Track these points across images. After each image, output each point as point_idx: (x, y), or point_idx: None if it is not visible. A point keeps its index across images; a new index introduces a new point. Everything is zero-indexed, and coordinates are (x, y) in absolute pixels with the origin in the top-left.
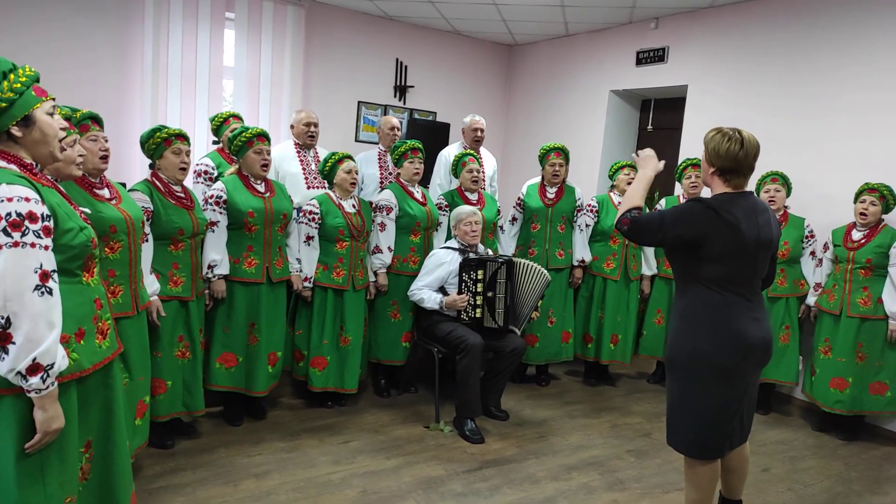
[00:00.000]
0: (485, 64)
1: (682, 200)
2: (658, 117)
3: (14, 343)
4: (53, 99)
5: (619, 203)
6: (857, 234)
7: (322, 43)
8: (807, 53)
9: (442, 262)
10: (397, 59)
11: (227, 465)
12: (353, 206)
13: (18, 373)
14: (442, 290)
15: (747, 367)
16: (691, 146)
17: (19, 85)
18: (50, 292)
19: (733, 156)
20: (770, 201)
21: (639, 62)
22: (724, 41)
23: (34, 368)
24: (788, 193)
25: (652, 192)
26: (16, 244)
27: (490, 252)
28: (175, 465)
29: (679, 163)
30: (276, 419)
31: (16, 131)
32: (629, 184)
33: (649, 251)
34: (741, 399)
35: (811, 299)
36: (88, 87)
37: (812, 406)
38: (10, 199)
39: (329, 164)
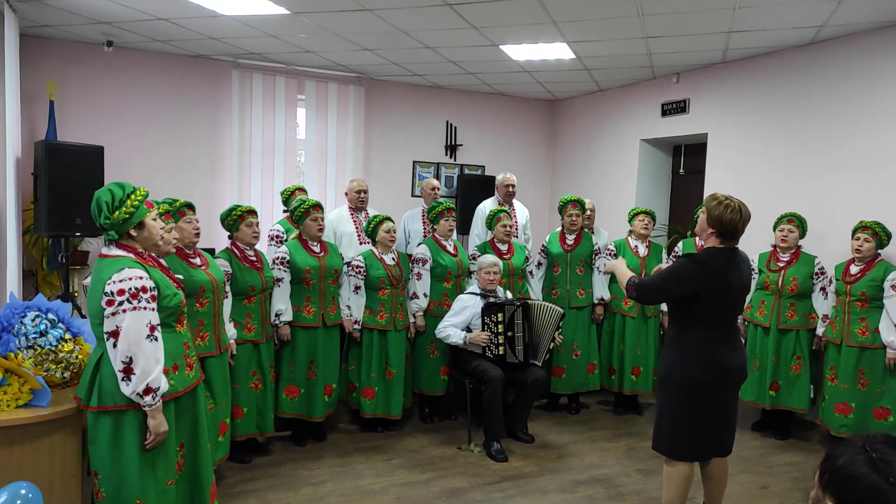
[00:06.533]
0: (529, 118)
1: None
2: (688, 161)
3: (135, 374)
4: (158, 208)
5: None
6: (854, 269)
7: (380, 113)
8: (812, 103)
9: (466, 305)
10: (447, 122)
11: (291, 476)
12: (393, 259)
13: (137, 393)
14: (468, 329)
15: (723, 387)
16: (713, 189)
17: (137, 202)
18: (157, 339)
19: (734, 224)
20: (783, 240)
21: (664, 113)
22: (739, 92)
23: (147, 391)
24: (803, 234)
25: (685, 235)
26: (135, 308)
27: (510, 295)
28: (251, 475)
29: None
30: (334, 441)
31: (133, 233)
32: (645, 228)
33: None
34: (716, 413)
35: (820, 330)
36: (189, 175)
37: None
38: (131, 278)
39: (372, 225)
